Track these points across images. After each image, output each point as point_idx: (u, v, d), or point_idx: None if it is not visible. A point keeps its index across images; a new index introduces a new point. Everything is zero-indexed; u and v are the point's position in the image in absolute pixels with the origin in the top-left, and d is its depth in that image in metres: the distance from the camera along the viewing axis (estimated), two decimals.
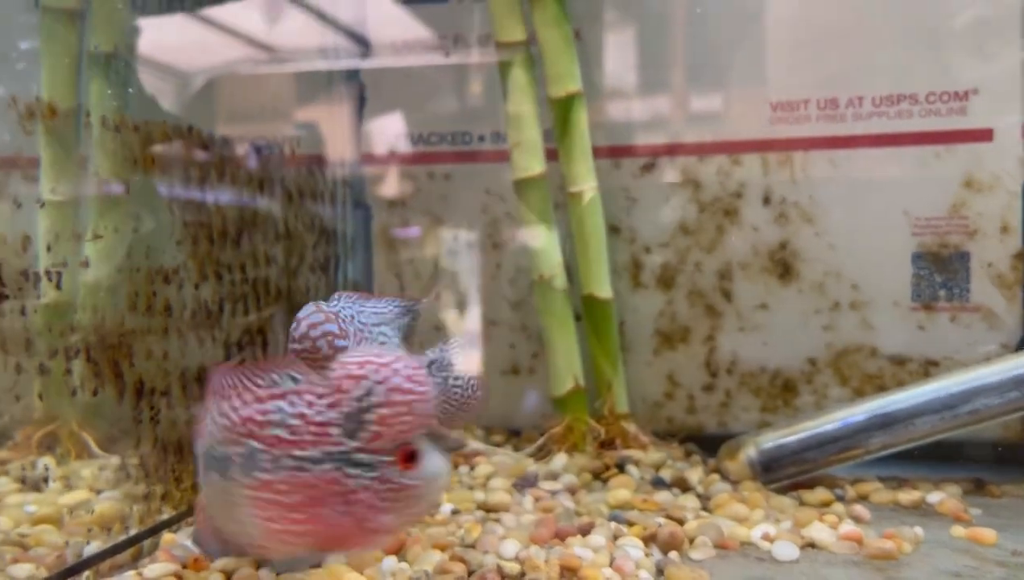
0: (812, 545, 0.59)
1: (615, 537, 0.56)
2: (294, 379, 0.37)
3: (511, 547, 0.52)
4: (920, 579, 0.52)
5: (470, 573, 0.49)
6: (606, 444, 0.79)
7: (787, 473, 0.74)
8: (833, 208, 0.82)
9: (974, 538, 0.60)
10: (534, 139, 0.80)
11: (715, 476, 0.74)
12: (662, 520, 0.59)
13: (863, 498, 0.71)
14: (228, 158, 0.62)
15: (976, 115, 0.78)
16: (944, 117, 0.79)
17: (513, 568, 0.48)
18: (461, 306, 0.89)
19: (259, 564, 0.47)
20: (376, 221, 0.90)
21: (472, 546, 0.54)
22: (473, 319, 0.89)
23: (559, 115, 0.80)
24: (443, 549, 0.53)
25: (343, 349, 0.42)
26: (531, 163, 0.80)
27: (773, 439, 0.74)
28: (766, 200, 0.84)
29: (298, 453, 0.36)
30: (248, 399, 0.36)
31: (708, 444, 0.81)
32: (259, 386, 0.36)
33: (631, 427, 0.80)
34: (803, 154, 0.83)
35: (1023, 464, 0.78)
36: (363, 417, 0.36)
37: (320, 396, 0.36)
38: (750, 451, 0.74)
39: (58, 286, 0.48)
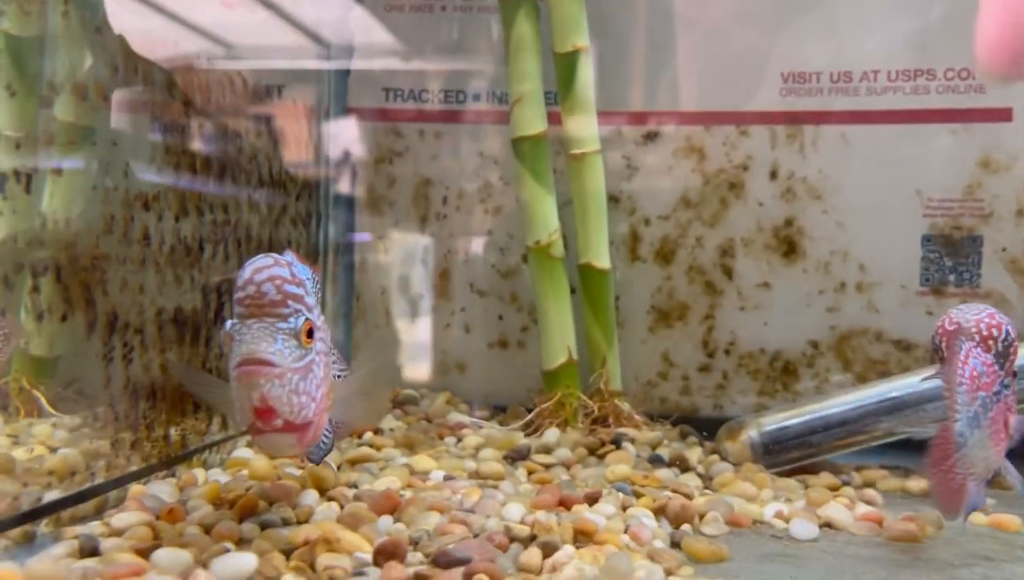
0: (829, 525, 0.55)
1: (624, 507, 0.51)
2: None
3: (515, 510, 0.47)
4: (952, 561, 0.49)
5: (474, 535, 0.44)
6: (598, 421, 0.75)
7: (790, 457, 0.70)
8: (844, 185, 0.79)
9: (996, 524, 0.56)
10: (536, 95, 0.75)
11: (715, 457, 0.70)
12: (670, 493, 0.55)
13: (870, 485, 0.68)
14: (214, 86, 0.57)
15: (995, 93, 0.76)
16: (963, 95, 0.77)
17: (522, 530, 0.44)
18: (444, 276, 0.84)
19: None
20: (361, 180, 0.84)
21: (471, 510, 0.49)
22: (455, 290, 0.84)
23: (563, 72, 0.76)
24: (442, 512, 0.48)
25: (295, 295, 0.39)
26: (532, 121, 0.75)
27: (776, 420, 0.70)
28: (773, 174, 0.80)
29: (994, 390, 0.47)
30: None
31: (702, 427, 0.77)
32: None
33: (624, 405, 0.76)
34: (815, 128, 0.79)
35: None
36: (1007, 352, 0.48)
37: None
38: (752, 432, 0.70)
39: (27, 190, 0.42)
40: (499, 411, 0.82)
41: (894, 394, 0.70)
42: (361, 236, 0.84)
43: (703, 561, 0.46)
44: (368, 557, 0.40)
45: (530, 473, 0.62)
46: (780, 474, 0.68)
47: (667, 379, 0.82)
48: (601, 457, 0.67)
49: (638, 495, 0.54)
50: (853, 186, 0.78)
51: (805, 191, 0.79)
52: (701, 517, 0.53)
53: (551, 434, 0.70)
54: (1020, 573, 0.47)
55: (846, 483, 0.66)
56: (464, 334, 0.84)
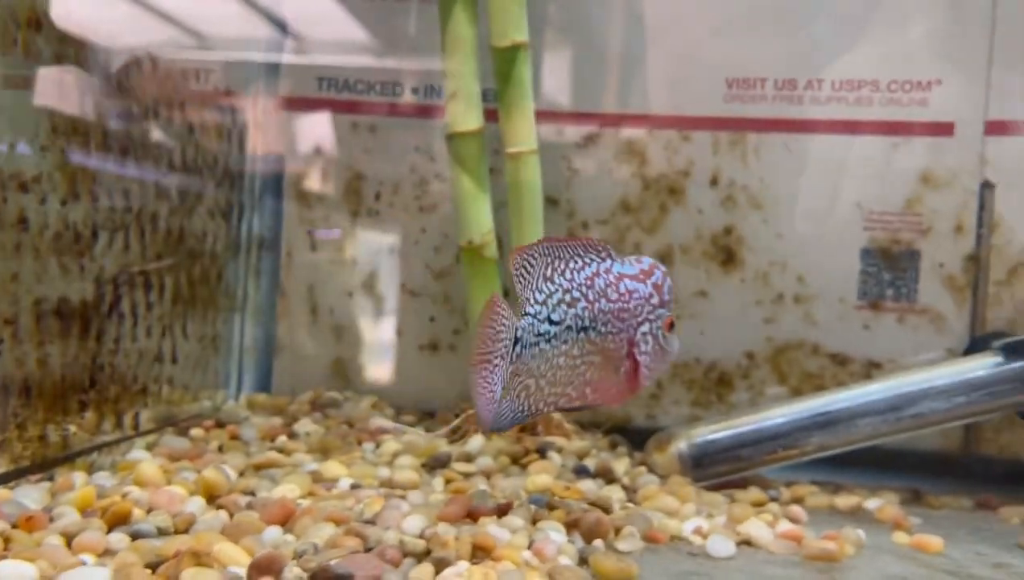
0: (748, 543, 0.53)
1: (535, 520, 0.49)
2: None
3: (416, 523, 0.44)
4: None
5: (367, 549, 0.42)
6: (526, 430, 0.72)
7: (719, 470, 0.68)
8: (784, 195, 0.77)
9: (918, 546, 0.55)
10: (472, 90, 0.72)
11: (642, 469, 0.68)
12: (586, 506, 0.52)
13: (798, 501, 0.66)
14: (113, 64, 0.53)
15: (937, 107, 0.75)
16: (905, 107, 0.76)
17: (417, 545, 0.41)
18: (375, 274, 0.81)
19: None
20: (289, 172, 0.81)
21: (372, 522, 0.46)
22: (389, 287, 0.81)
23: (501, 67, 0.73)
24: (338, 523, 0.45)
25: None
26: (467, 117, 0.72)
27: (706, 433, 0.69)
28: (714, 181, 0.78)
29: None
30: None
31: (635, 437, 0.75)
32: None
33: (555, 414, 0.74)
34: (757, 136, 0.78)
35: (960, 477, 0.75)
36: None
37: None
38: (681, 445, 0.68)
39: None
40: (427, 416, 0.79)
41: (827, 409, 0.68)
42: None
43: (607, 578, 0.43)
44: (242, 572, 0.37)
45: (448, 482, 0.59)
46: (709, 488, 0.66)
47: None
48: (525, 466, 0.64)
49: (552, 507, 0.52)
50: (794, 196, 0.77)
51: (746, 200, 0.78)
52: (617, 532, 0.51)
53: (475, 442, 0.68)
54: None
55: (774, 499, 0.65)
56: (394, 336, 0.81)
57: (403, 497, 0.51)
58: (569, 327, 0.47)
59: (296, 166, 0.81)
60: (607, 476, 0.65)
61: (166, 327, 0.61)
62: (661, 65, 0.79)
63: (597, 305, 0.47)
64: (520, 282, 0.47)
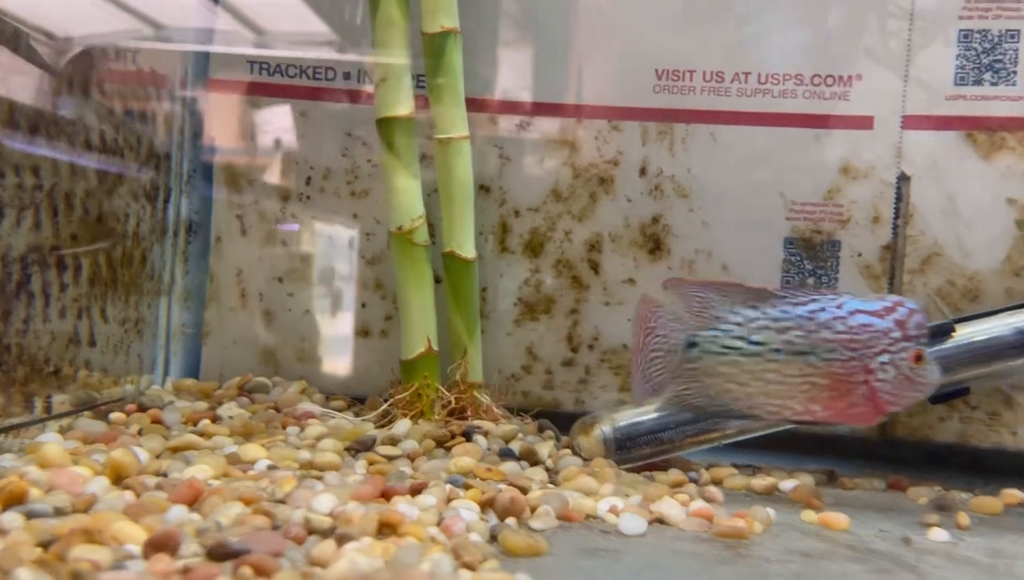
0: (661, 521, 0.54)
1: (449, 499, 0.49)
2: None
3: (326, 502, 0.45)
4: (770, 557, 0.49)
5: (275, 527, 0.42)
6: (456, 413, 0.73)
7: (642, 453, 0.70)
8: (711, 185, 0.79)
9: (825, 523, 0.57)
10: (402, 76, 0.73)
11: (566, 451, 0.69)
12: (503, 486, 0.53)
13: (717, 482, 0.68)
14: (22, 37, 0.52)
15: (858, 101, 0.77)
16: (827, 101, 0.78)
17: (323, 522, 0.41)
18: (306, 260, 0.81)
19: None
20: (219, 155, 0.80)
21: (283, 501, 0.46)
22: (317, 275, 0.80)
23: (431, 54, 0.73)
24: (248, 503, 0.45)
25: None
26: (397, 102, 0.73)
27: (629, 417, 0.70)
28: (643, 171, 0.80)
29: None
30: None
31: (563, 422, 0.76)
32: None
33: (484, 398, 0.74)
34: (684, 126, 0.79)
35: (875, 458, 0.77)
36: None
37: None
38: (605, 428, 0.70)
39: None
40: (357, 402, 0.79)
41: None
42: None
43: (517, 555, 0.44)
44: (137, 549, 0.36)
45: (371, 464, 0.59)
46: (632, 470, 0.67)
47: (531, 373, 0.81)
48: (449, 449, 0.65)
49: (468, 487, 0.52)
50: (720, 186, 0.79)
51: (673, 189, 0.79)
52: (533, 511, 0.52)
53: (402, 426, 0.68)
54: (834, 570, 0.47)
55: (693, 480, 0.66)
56: (324, 321, 0.81)
57: (319, 478, 0.51)
58: (778, 350, 0.56)
59: (226, 150, 0.81)
60: (531, 458, 0.66)
61: (83, 309, 0.60)
62: (592, 55, 0.80)
63: (817, 335, 0.55)
64: (717, 303, 0.57)
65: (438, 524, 0.44)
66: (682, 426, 0.70)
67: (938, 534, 0.55)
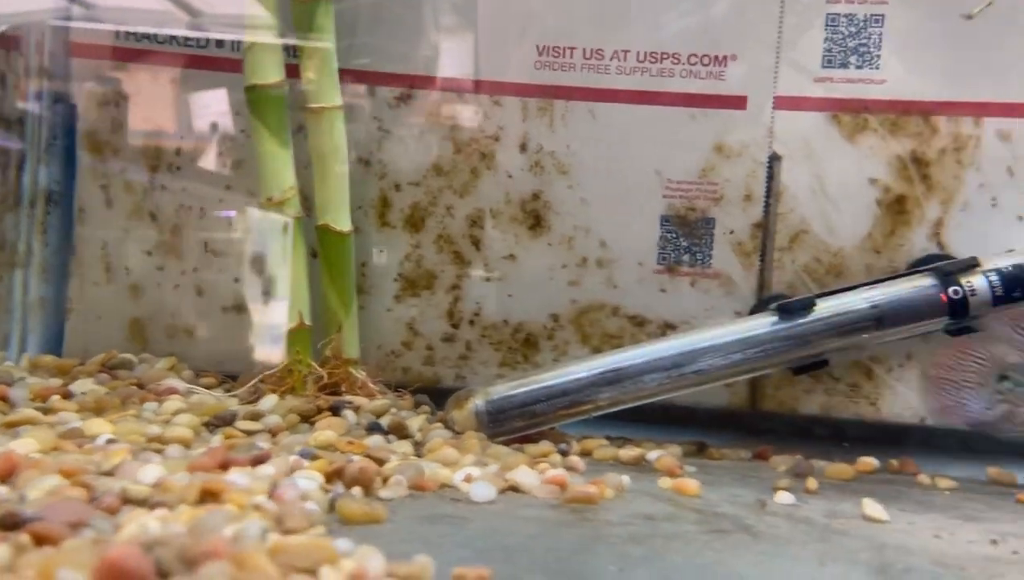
0: (515, 489, 0.54)
1: (293, 470, 0.49)
2: None
3: (152, 473, 0.43)
4: (613, 520, 0.49)
5: (92, 499, 0.40)
6: (329, 389, 0.72)
7: (514, 426, 0.70)
8: (589, 162, 0.79)
9: (678, 489, 0.58)
10: (271, 42, 0.71)
11: (438, 426, 0.68)
12: (356, 458, 0.52)
13: (587, 454, 0.69)
14: None
15: (732, 81, 0.79)
16: (703, 80, 0.79)
17: (140, 492, 0.40)
18: (176, 232, 0.78)
19: None
20: (83, 123, 0.77)
21: (110, 473, 0.44)
22: (187, 248, 0.78)
23: (302, 21, 0.72)
24: (68, 475, 0.43)
25: None
26: (266, 69, 0.71)
27: (502, 390, 0.70)
28: (523, 147, 0.80)
29: None
30: None
31: (444, 397, 0.76)
32: None
33: (359, 373, 0.73)
34: (564, 103, 0.80)
35: (746, 430, 0.80)
36: None
37: None
38: (478, 401, 0.70)
39: None
40: (230, 379, 0.77)
41: (616, 366, 0.71)
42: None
43: (353, 523, 0.44)
44: None
45: (227, 439, 0.58)
46: (505, 442, 0.68)
47: (411, 349, 0.80)
48: (315, 424, 0.64)
49: (316, 458, 0.51)
50: (598, 163, 0.80)
51: (553, 165, 0.80)
52: (386, 481, 0.51)
53: (267, 401, 0.67)
54: (671, 530, 0.48)
55: (564, 452, 0.67)
56: (196, 297, 0.79)
57: (159, 451, 0.50)
58: None
59: (92, 117, 0.77)
60: (400, 432, 0.65)
61: None
62: (474, 30, 0.80)
63: None
64: None
65: (270, 493, 0.43)
66: (554, 399, 0.70)
67: (783, 497, 0.57)
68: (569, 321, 0.80)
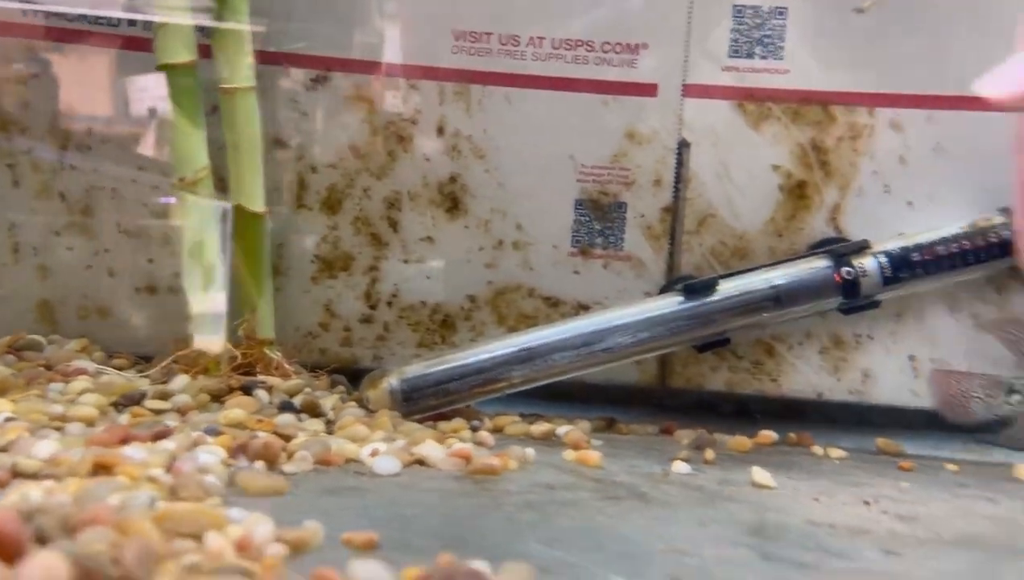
0: (421, 462, 0.56)
1: (195, 445, 0.49)
2: None
3: (47, 448, 0.43)
4: (512, 490, 0.51)
5: None
6: (243, 370, 0.72)
7: (429, 404, 0.71)
8: (505, 146, 0.81)
9: (580, 460, 0.60)
10: (183, 21, 0.70)
11: (352, 405, 0.70)
12: (262, 434, 0.53)
13: (499, 430, 0.71)
14: None
15: (644, 69, 0.81)
16: (616, 68, 0.81)
17: (31, 465, 0.40)
18: (87, 212, 0.77)
19: None
20: None
21: (4, 450, 0.44)
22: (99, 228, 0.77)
23: (217, 1, 0.71)
24: None
25: None
26: (178, 48, 0.70)
27: (416, 369, 0.72)
28: (440, 130, 0.81)
29: None
30: None
31: (361, 378, 0.77)
32: None
33: (275, 354, 0.74)
34: (480, 88, 0.81)
35: (655, 406, 0.82)
36: None
37: None
38: (392, 380, 0.71)
39: None
40: (144, 360, 0.76)
41: (527, 345, 0.73)
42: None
43: (253, 494, 0.45)
44: None
45: (134, 418, 0.58)
46: (421, 421, 0.69)
47: (328, 330, 0.81)
48: (225, 403, 0.64)
49: (219, 434, 0.52)
50: (514, 148, 0.81)
51: (470, 149, 0.81)
52: (291, 456, 0.52)
53: (178, 381, 0.67)
54: (567, 497, 0.50)
55: (476, 428, 0.69)
56: (108, 278, 0.78)
57: (58, 429, 0.50)
58: None
59: None
60: (313, 411, 0.66)
61: None
62: (391, 14, 0.80)
63: None
64: None
65: (167, 467, 0.44)
66: (467, 377, 0.72)
67: (680, 467, 0.60)
68: (486, 302, 0.82)
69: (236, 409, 0.60)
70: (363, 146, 0.80)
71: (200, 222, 0.75)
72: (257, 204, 0.74)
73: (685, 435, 0.73)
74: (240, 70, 0.72)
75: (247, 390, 0.66)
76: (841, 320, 0.78)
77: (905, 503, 0.53)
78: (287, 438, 0.55)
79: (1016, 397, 0.65)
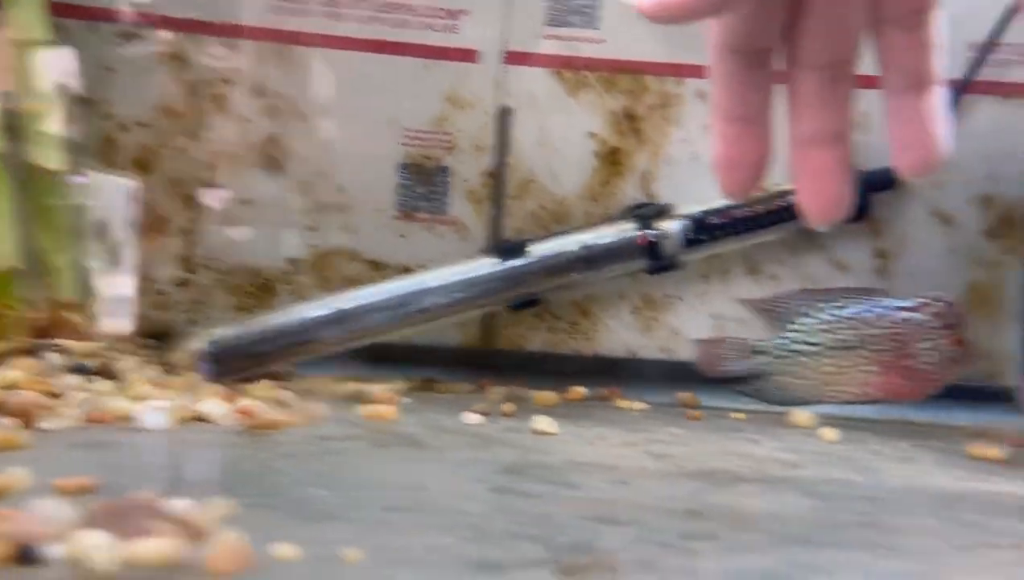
0: (201, 419, 0.55)
1: None
2: None
3: None
4: (283, 442, 0.52)
5: None
6: (41, 334, 0.70)
7: (239, 365, 0.71)
8: (326, 108, 0.80)
9: (374, 415, 0.61)
10: None
11: (154, 368, 0.68)
12: (24, 392, 0.52)
13: (311, 391, 0.71)
14: None
15: (465, 34, 0.82)
16: (438, 32, 0.82)
17: None
18: None
19: None
20: None
21: None
22: None
23: None
24: None
25: None
26: None
27: (227, 332, 0.71)
28: (258, 90, 0.80)
29: None
30: None
31: (175, 343, 0.75)
32: None
33: (78, 318, 0.72)
34: (299, 48, 0.80)
35: (478, 367, 0.84)
36: None
37: None
38: (201, 344, 0.70)
39: None
40: None
41: (341, 306, 0.73)
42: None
43: None
44: None
45: None
46: (230, 383, 0.68)
47: (143, 294, 0.79)
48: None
49: None
50: (336, 110, 0.81)
51: (288, 110, 0.80)
52: (56, 414, 0.51)
53: None
54: (338, 447, 0.51)
55: (285, 389, 0.68)
56: None
57: None
58: (833, 347, 0.68)
59: None
60: (107, 374, 0.64)
61: None
62: None
63: (864, 331, 0.67)
64: (779, 313, 0.70)
65: None
66: (280, 339, 0.72)
67: (471, 418, 0.62)
68: (308, 266, 0.81)
69: (15, 371, 0.58)
70: (177, 105, 0.78)
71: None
72: (52, 161, 0.71)
73: (497, 392, 0.75)
74: (32, 22, 0.69)
75: (32, 352, 0.64)
76: (652, 282, 0.81)
77: (670, 445, 0.56)
78: (55, 395, 0.53)
79: (761, 358, 0.71)
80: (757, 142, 0.39)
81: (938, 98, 0.39)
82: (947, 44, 0.79)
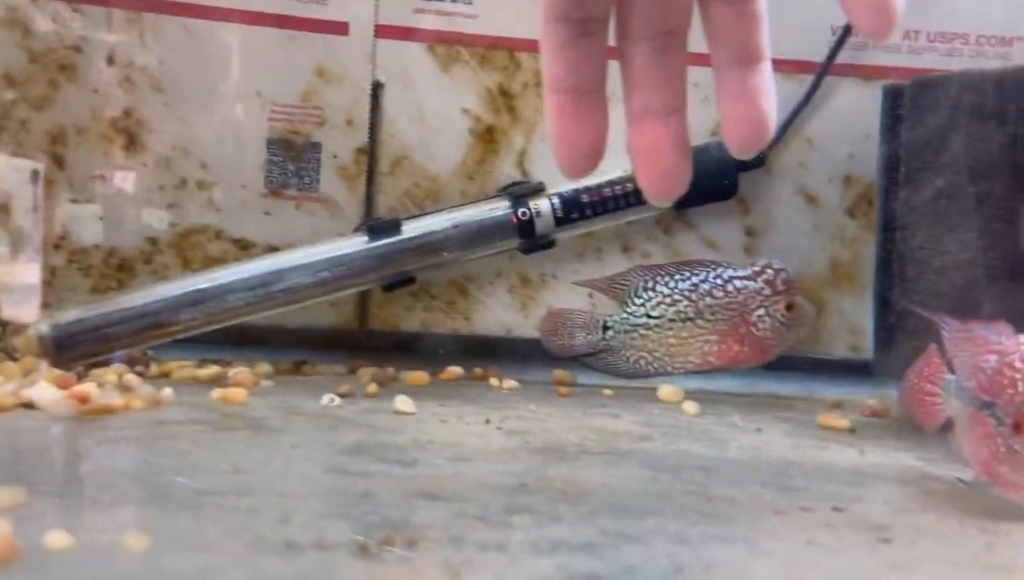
0: (29, 405, 0.52)
1: None
2: None
3: None
4: (115, 426, 0.49)
5: None
6: None
7: (85, 350, 0.67)
8: (186, 79, 0.77)
9: (224, 398, 0.59)
10: None
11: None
12: None
13: (166, 374, 0.68)
14: None
15: (334, 7, 0.79)
16: (304, 4, 0.79)
17: None
18: None
19: None
20: None
21: None
22: None
23: None
24: None
25: None
26: None
27: (71, 315, 0.67)
28: (111, 60, 0.75)
29: None
30: None
31: (18, 328, 0.71)
32: None
33: None
34: (155, 16, 0.76)
35: (352, 348, 0.82)
36: None
37: None
38: (42, 327, 0.66)
39: None
40: None
41: (198, 286, 0.70)
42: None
43: None
44: None
45: None
46: (78, 369, 0.65)
47: None
48: None
49: None
50: (197, 82, 0.77)
51: (146, 81, 0.76)
52: None
53: None
54: (176, 431, 0.49)
55: (141, 374, 0.65)
56: None
57: None
58: (673, 319, 0.70)
59: None
60: None
61: None
62: None
63: (701, 302, 0.69)
64: (622, 290, 0.72)
65: None
66: (130, 321, 0.68)
67: (328, 399, 0.60)
68: (168, 245, 0.78)
69: None
70: (18, 73, 0.73)
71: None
72: None
73: (368, 373, 0.73)
74: None
75: None
76: (528, 261, 0.81)
77: (527, 421, 0.56)
78: None
79: (609, 333, 0.72)
80: (592, 114, 0.38)
81: (766, 73, 0.39)
82: (809, 27, 0.83)
